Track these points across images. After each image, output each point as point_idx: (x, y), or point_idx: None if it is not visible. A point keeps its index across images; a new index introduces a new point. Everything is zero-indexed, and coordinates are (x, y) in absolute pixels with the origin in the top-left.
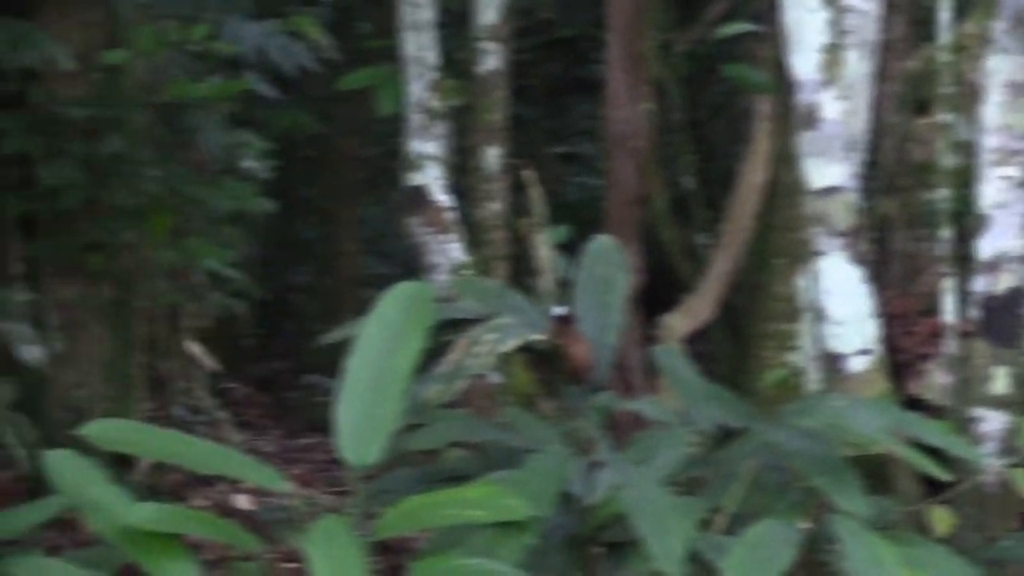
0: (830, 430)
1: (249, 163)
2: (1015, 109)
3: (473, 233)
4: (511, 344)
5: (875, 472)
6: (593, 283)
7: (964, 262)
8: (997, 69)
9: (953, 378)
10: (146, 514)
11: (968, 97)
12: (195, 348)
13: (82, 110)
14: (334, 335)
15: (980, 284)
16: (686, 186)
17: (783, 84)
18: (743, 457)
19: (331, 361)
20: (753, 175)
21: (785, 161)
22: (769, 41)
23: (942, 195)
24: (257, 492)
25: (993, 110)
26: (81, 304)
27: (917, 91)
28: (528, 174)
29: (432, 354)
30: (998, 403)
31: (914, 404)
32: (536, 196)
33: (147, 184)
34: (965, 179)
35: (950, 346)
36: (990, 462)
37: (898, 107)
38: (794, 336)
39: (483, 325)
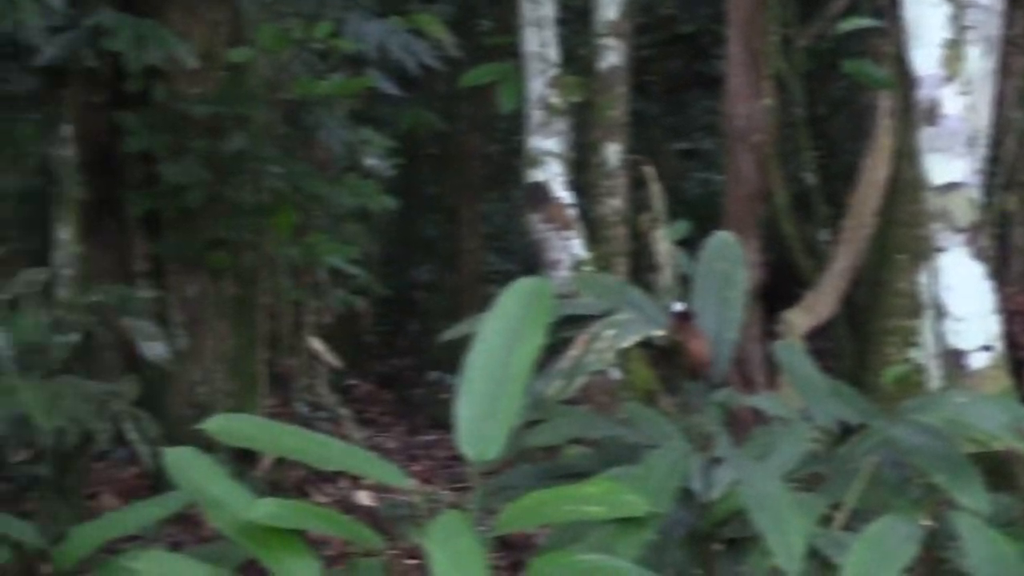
0: (951, 426)
1: (372, 161)
2: None
3: (593, 229)
4: (631, 340)
5: (996, 469)
6: (713, 279)
7: None
8: None
9: None
10: (267, 510)
11: None
12: (318, 345)
13: (206, 108)
14: (455, 331)
15: None
16: (807, 182)
17: (904, 80)
18: (863, 453)
19: (453, 358)
20: (874, 171)
21: (906, 157)
22: (890, 37)
23: None
24: (378, 488)
25: None
26: (204, 301)
27: None
28: (648, 170)
29: (552, 350)
30: None
31: None
32: (656, 192)
33: (270, 181)
34: None
35: None
36: None
37: (1019, 103)
38: (915, 332)
39: (603, 321)
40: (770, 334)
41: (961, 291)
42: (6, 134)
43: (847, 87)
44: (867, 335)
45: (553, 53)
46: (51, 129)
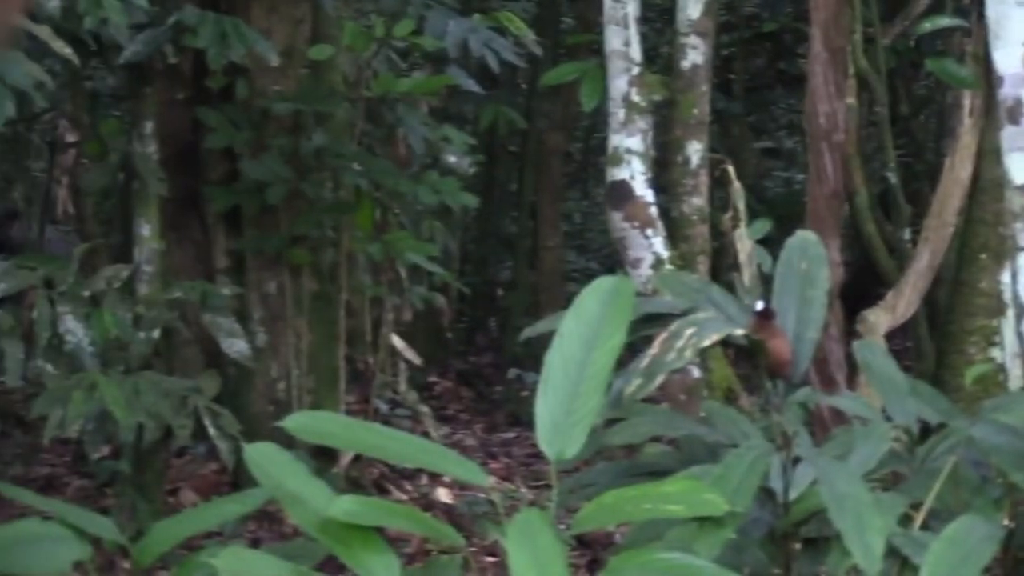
0: None
1: (452, 158)
2: None
3: (675, 228)
4: (711, 339)
5: None
6: (794, 278)
7: None
8: None
9: None
10: (346, 507)
11: None
12: (397, 342)
13: (287, 105)
14: (535, 329)
15: None
16: (889, 181)
17: (987, 79)
18: (943, 453)
19: (533, 355)
20: (957, 170)
21: (989, 156)
22: (973, 35)
23: None
24: (458, 486)
25: None
26: (284, 297)
27: None
28: (730, 169)
29: (632, 349)
30: None
31: None
32: (737, 191)
33: (350, 178)
34: None
35: None
36: None
37: None
38: (997, 332)
39: (683, 319)
40: (851, 333)
41: None
42: (90, 130)
43: (930, 86)
44: (948, 334)
45: (636, 51)
46: (134, 126)
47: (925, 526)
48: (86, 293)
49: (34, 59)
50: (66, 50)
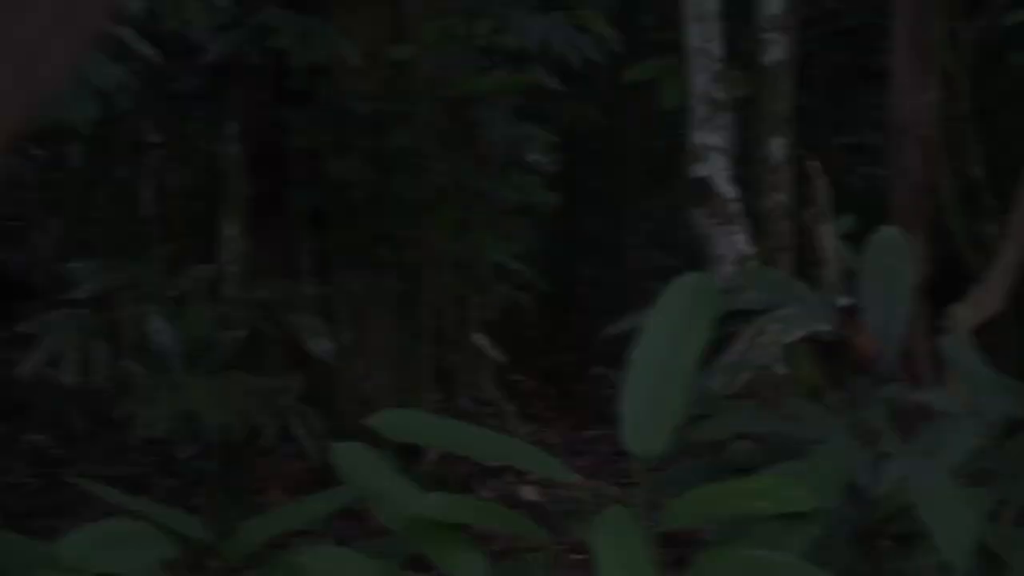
0: None
1: (534, 156)
2: None
3: (758, 224)
4: (796, 335)
5: None
6: (879, 274)
7: None
8: None
9: None
10: (433, 504)
11: None
12: (481, 340)
13: (369, 105)
14: (619, 327)
15: None
16: (974, 175)
17: None
18: None
19: (617, 353)
20: None
21: None
22: None
23: None
24: (543, 483)
25: None
26: (369, 296)
27: None
28: (813, 164)
29: (717, 345)
30: None
31: None
32: (821, 186)
33: (433, 177)
34: None
35: None
36: None
37: None
38: None
39: (768, 316)
40: (937, 329)
41: None
42: (174, 132)
43: (1016, 79)
44: None
45: (717, 48)
46: (217, 127)
47: (1015, 523)
48: (172, 293)
49: (118, 61)
50: (149, 51)
